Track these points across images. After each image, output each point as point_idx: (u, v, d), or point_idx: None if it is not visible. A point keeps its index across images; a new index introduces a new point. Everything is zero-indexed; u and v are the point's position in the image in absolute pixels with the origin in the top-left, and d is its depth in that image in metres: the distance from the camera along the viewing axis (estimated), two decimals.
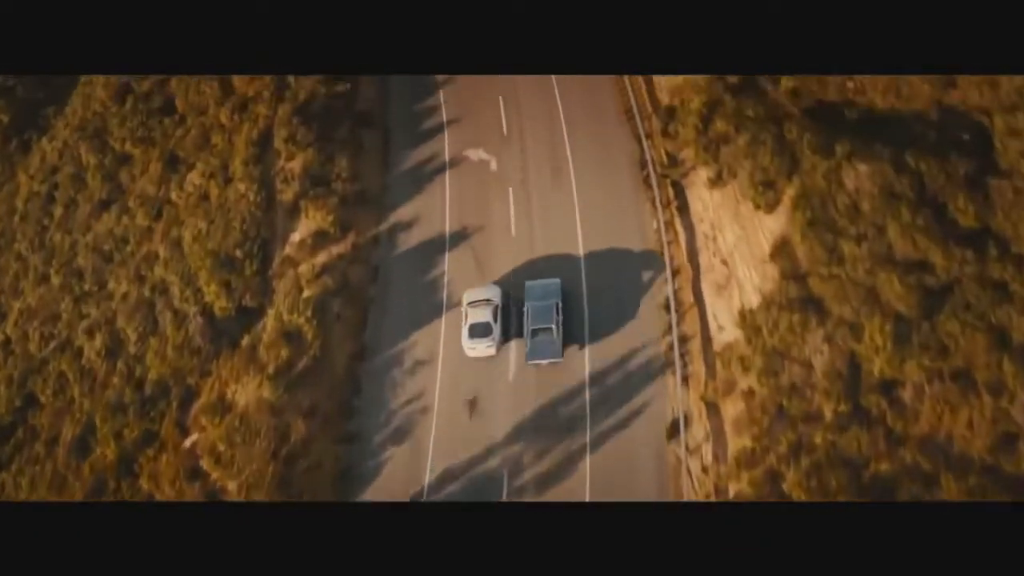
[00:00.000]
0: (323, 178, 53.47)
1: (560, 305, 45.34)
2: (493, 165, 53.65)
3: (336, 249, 50.41)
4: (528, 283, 46.66)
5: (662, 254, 47.64)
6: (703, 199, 48.99)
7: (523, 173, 52.85)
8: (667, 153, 51.87)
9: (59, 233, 61.37)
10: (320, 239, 50.81)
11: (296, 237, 51.50)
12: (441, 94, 58.62)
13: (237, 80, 61.09)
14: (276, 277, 50.64)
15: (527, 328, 44.85)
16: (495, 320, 45.44)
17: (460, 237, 50.66)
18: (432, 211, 52.32)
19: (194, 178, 56.98)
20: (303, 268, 50.00)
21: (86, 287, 57.08)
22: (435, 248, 50.48)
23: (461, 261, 49.65)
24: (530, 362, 44.56)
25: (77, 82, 72.76)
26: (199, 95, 62.58)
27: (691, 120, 51.23)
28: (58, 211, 62.73)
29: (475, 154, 54.56)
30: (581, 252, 48.60)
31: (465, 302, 46.66)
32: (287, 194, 53.01)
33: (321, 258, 50.30)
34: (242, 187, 54.18)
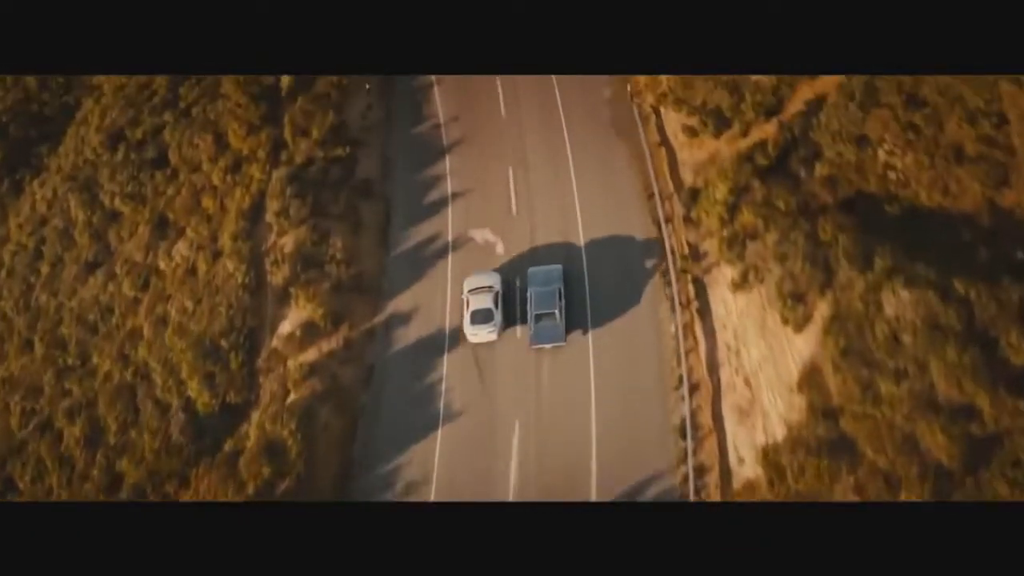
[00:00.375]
0: (316, 259, 49.67)
1: (562, 290, 45.60)
2: (499, 248, 49.59)
3: (326, 345, 46.72)
4: (531, 269, 47.06)
5: (679, 364, 43.48)
6: (726, 302, 44.72)
7: (532, 259, 48.71)
8: (688, 243, 47.57)
9: (45, 294, 58.28)
10: (310, 332, 47.14)
11: (285, 328, 47.87)
12: (447, 161, 54.35)
13: (232, 135, 57.34)
14: (262, 372, 47.14)
15: (530, 313, 45.24)
16: (496, 306, 45.90)
17: (460, 335, 46.64)
18: (433, 301, 48.46)
19: (182, 249, 53.51)
20: (291, 365, 46.40)
21: (69, 360, 54.01)
22: (434, 348, 46.64)
23: (461, 364, 45.75)
24: (534, 346, 44.69)
25: (71, 120, 69.58)
26: (193, 148, 59.03)
27: (716, 209, 46.87)
28: (45, 269, 59.72)
29: (480, 235, 50.48)
30: (592, 362, 44.47)
31: (466, 289, 47.03)
32: (277, 277, 49.32)
33: (311, 354, 46.64)
34: (231, 265, 50.56)
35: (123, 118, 64.46)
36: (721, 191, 46.87)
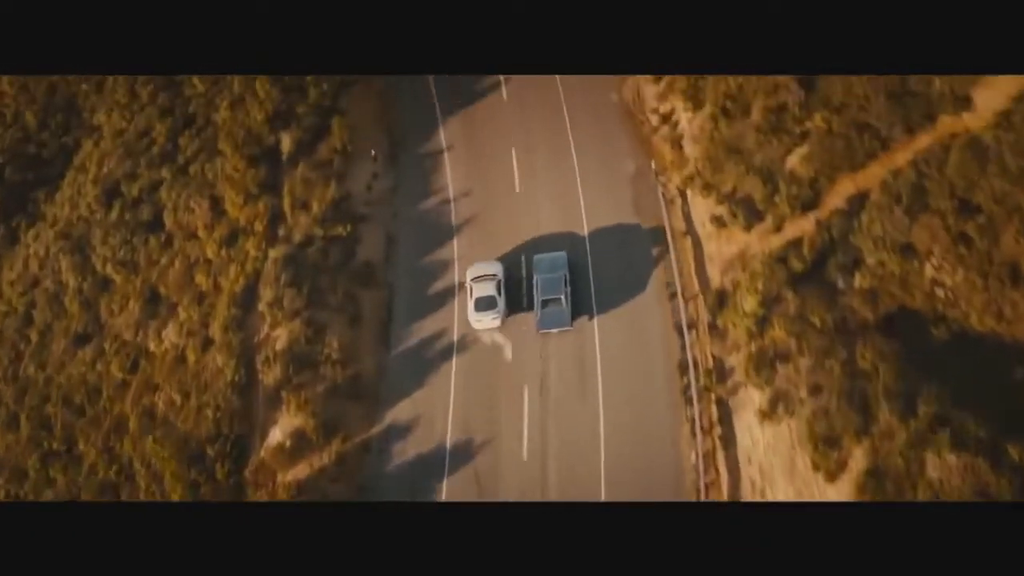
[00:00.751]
0: (310, 359, 46.24)
1: (568, 277, 46.13)
2: (508, 353, 45.79)
3: (317, 461, 43.36)
4: (536, 256, 47.64)
5: (698, 495, 39.78)
6: (752, 433, 40.89)
7: (541, 365, 45.19)
8: (713, 356, 43.60)
9: (33, 365, 55.46)
10: (301, 444, 43.78)
11: (275, 436, 44.63)
12: (456, 244, 50.50)
13: (230, 204, 53.90)
14: (249, 485, 43.87)
15: (537, 299, 45.66)
16: (499, 293, 46.24)
17: (462, 454, 43.18)
18: (434, 411, 44.82)
19: (172, 334, 50.36)
20: (280, 480, 43.10)
21: (55, 445, 51.16)
22: (434, 467, 43.05)
23: (462, 487, 42.20)
24: (541, 331, 45.09)
25: (69, 164, 66.43)
26: (189, 213, 55.63)
27: (744, 322, 42.87)
28: (34, 336, 56.80)
29: (488, 334, 46.65)
30: (603, 492, 40.86)
31: (468, 278, 47.39)
32: (269, 377, 46.06)
33: (301, 470, 43.34)
34: (220, 359, 47.36)
35: (120, 169, 61.17)
36: (751, 302, 42.89)
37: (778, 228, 45.68)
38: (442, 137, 55.78)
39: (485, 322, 46.26)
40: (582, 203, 50.51)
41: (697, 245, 47.58)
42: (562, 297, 45.35)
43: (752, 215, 46.43)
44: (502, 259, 49.17)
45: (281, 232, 51.79)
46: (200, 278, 52.01)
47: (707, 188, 48.32)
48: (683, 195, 49.73)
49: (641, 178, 51.13)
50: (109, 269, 55.83)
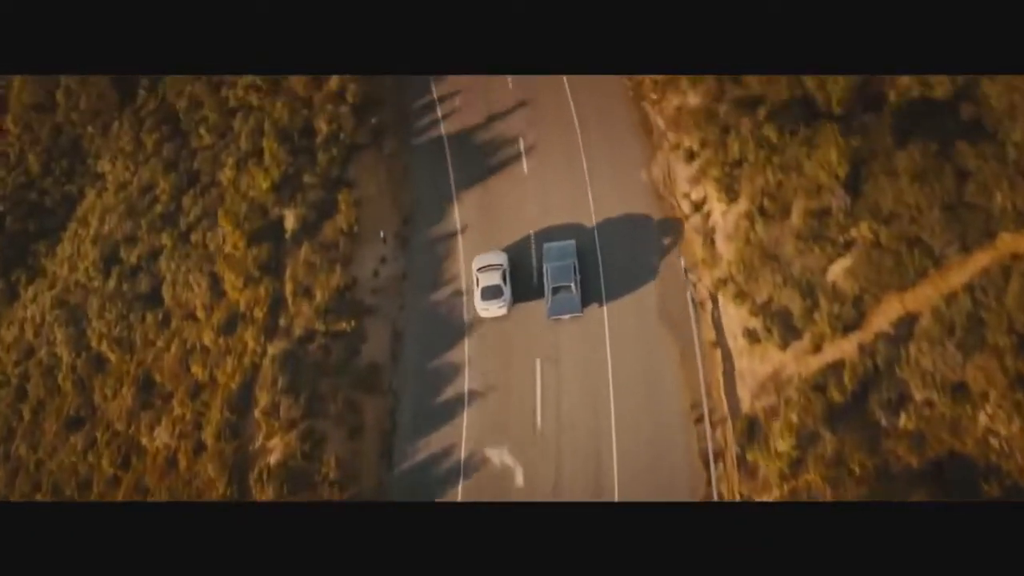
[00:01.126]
0: (307, 478, 43.11)
1: (577, 264, 46.89)
2: (519, 478, 42.37)
3: None
4: (546, 245, 48.35)
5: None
6: None
7: (553, 493, 41.56)
8: (741, 495, 39.92)
9: (24, 445, 53.22)
10: None
11: None
12: (466, 347, 46.97)
13: (230, 287, 50.78)
14: None
15: (547, 287, 46.53)
16: (504, 282, 47.29)
17: None
18: None
19: (164, 433, 47.47)
20: None
21: None
22: None
23: None
24: (552, 317, 45.85)
25: (72, 214, 63.85)
26: (188, 290, 52.65)
27: (776, 464, 39.18)
28: (27, 413, 54.66)
29: (497, 456, 43.31)
30: None
31: (475, 268, 48.41)
32: (262, 496, 42.83)
33: None
34: (212, 470, 44.47)
35: (121, 229, 58.64)
36: (785, 443, 39.08)
37: (817, 349, 41.79)
38: (456, 216, 52.06)
39: (492, 310, 47.22)
40: (604, 295, 46.80)
41: (728, 359, 43.74)
42: (572, 284, 46.12)
43: (789, 332, 42.55)
44: (520, 356, 45.91)
45: (282, 322, 48.63)
46: (196, 368, 49.04)
47: (740, 296, 44.39)
48: (714, 300, 45.79)
49: (669, 275, 47.15)
50: (104, 346, 53.29)
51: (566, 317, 45.97)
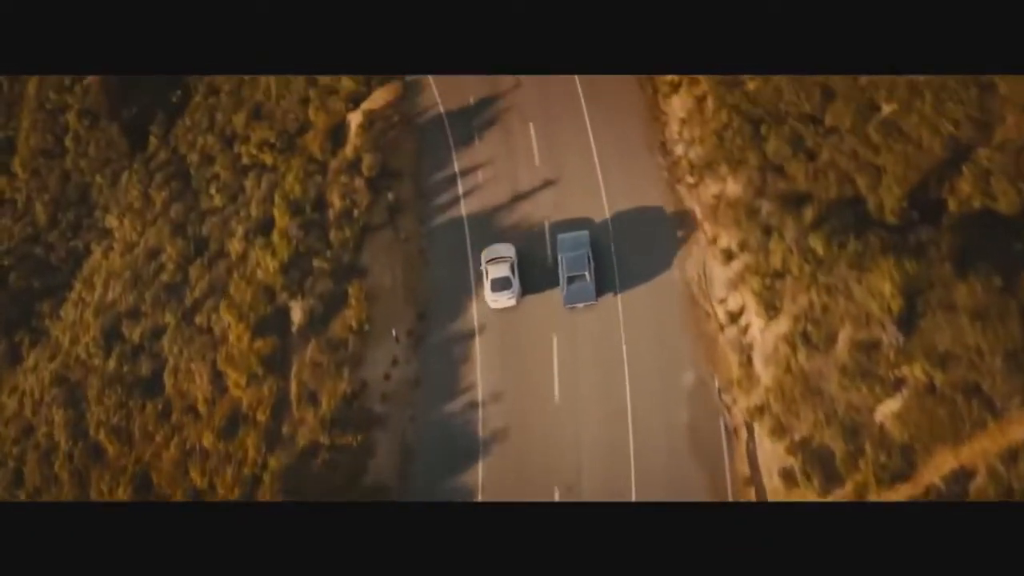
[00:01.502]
0: None
1: (590, 254, 47.61)
2: None
3: None
4: (560, 236, 49.11)
5: None
6: None
7: None
8: None
9: None
10: None
11: None
12: (480, 468, 43.83)
13: (233, 385, 48.01)
14: None
15: (562, 276, 47.39)
16: (513, 274, 47.96)
17: None
18: None
19: None
20: None
21: None
22: None
23: None
24: (567, 306, 46.89)
25: (78, 271, 61.28)
26: (189, 380, 50.03)
27: None
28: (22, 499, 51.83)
29: None
30: None
31: (484, 260, 49.14)
32: None
33: None
34: None
35: (125, 301, 56.03)
36: None
37: (860, 499, 38.18)
38: (475, 317, 48.66)
39: (501, 302, 47.99)
40: (631, 441, 43.30)
41: (763, 503, 40.20)
42: (586, 273, 46.92)
43: (830, 478, 39.03)
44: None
45: (285, 429, 45.81)
46: (195, 474, 46.51)
47: (778, 430, 40.89)
48: (749, 429, 42.23)
49: (700, 396, 43.68)
50: (102, 435, 50.81)
51: (581, 305, 46.82)
